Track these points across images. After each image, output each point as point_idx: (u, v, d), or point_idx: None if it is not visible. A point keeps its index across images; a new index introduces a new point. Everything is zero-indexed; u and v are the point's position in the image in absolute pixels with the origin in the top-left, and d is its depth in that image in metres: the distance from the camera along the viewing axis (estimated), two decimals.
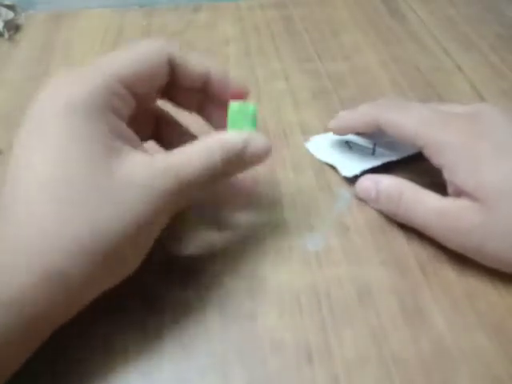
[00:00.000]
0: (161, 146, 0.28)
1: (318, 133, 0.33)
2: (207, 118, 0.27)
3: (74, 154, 0.19)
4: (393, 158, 0.30)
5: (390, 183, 0.27)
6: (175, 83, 0.25)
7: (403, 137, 0.27)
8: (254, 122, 0.24)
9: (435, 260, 0.26)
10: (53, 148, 0.19)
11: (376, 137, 0.31)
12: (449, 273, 0.25)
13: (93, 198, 0.19)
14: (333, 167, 0.31)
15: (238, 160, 0.23)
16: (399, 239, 0.27)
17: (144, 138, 0.26)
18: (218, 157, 0.22)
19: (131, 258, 0.21)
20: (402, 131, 0.27)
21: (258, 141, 0.23)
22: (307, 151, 0.32)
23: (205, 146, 0.22)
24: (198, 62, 0.24)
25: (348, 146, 0.32)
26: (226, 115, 0.24)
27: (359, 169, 0.30)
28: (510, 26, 0.45)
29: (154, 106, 0.27)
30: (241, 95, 0.25)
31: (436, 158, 0.25)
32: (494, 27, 0.45)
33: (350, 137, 0.32)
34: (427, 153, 0.26)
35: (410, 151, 0.30)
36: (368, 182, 0.28)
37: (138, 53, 0.23)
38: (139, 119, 0.24)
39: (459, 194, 0.25)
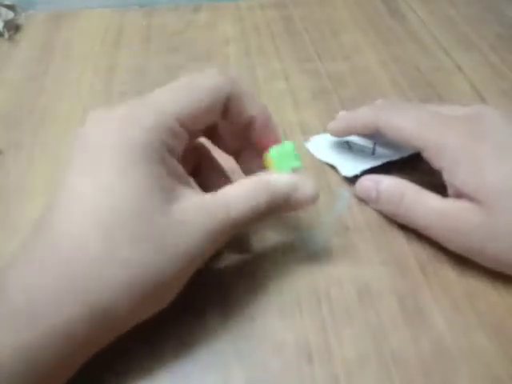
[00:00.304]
0: (197, 183, 0.27)
1: (318, 133, 0.33)
2: (240, 160, 0.27)
3: (130, 189, 0.19)
4: (393, 157, 0.30)
5: (390, 183, 0.27)
6: (221, 122, 0.24)
7: (403, 139, 0.27)
8: (298, 158, 0.24)
9: (435, 260, 0.26)
10: (107, 182, 0.19)
11: (376, 137, 0.31)
12: (449, 273, 0.25)
13: (147, 233, 0.19)
14: (333, 167, 0.31)
15: (284, 204, 0.23)
16: (399, 239, 0.27)
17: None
18: (264, 201, 0.22)
19: (175, 290, 0.21)
20: (402, 134, 0.27)
21: (305, 187, 0.23)
22: (307, 151, 0.32)
23: (252, 188, 0.22)
24: (250, 104, 0.24)
25: (348, 145, 0.32)
26: (259, 160, 0.25)
27: (359, 169, 0.30)
28: (510, 26, 0.45)
29: (198, 143, 0.27)
30: (278, 141, 0.25)
31: (436, 160, 0.25)
32: (494, 27, 0.45)
33: (350, 137, 0.32)
34: (427, 155, 0.26)
35: (410, 151, 0.30)
36: (368, 182, 0.28)
37: (199, 91, 0.22)
38: (184, 154, 0.23)
39: (459, 195, 0.25)
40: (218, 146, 0.26)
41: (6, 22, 0.44)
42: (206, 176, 0.27)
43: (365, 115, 0.29)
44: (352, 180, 0.30)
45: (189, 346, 0.22)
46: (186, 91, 0.22)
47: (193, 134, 0.23)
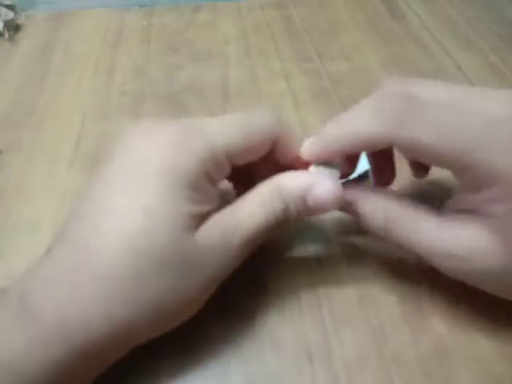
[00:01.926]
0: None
1: (318, 133, 0.33)
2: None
3: (167, 216, 0.19)
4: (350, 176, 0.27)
5: (373, 206, 0.22)
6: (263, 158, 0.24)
7: (438, 162, 0.21)
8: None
9: None
10: (148, 207, 0.19)
11: None
12: None
13: (175, 260, 0.19)
14: None
15: (302, 207, 0.21)
16: None
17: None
18: (279, 210, 0.21)
19: (194, 309, 0.21)
20: (434, 153, 0.20)
21: (322, 184, 0.21)
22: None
23: (265, 201, 0.21)
24: (296, 147, 0.23)
25: None
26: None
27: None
28: (510, 26, 0.45)
29: None
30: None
31: (474, 184, 0.20)
32: (494, 27, 0.45)
33: None
34: (466, 178, 0.20)
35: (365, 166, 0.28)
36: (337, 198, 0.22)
37: (251, 130, 0.22)
38: None
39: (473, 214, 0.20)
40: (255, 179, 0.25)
41: (5, 22, 0.44)
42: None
43: (367, 127, 0.21)
44: None
45: (189, 346, 0.22)
46: (238, 128, 0.22)
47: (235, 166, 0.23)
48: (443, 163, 0.20)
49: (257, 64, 0.41)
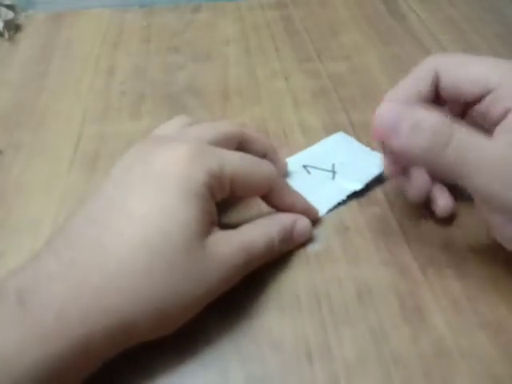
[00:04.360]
0: None
1: (317, 133, 0.33)
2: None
3: (185, 216, 0.21)
4: (356, 186, 0.29)
5: (436, 120, 0.21)
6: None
7: (471, 83, 0.24)
8: None
9: (435, 260, 0.26)
10: (167, 206, 0.21)
11: (333, 155, 0.30)
12: (449, 273, 0.25)
13: (185, 262, 0.20)
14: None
15: (289, 238, 0.26)
16: (399, 239, 0.27)
17: None
18: (277, 239, 0.24)
19: (193, 313, 0.22)
20: (472, 73, 0.23)
21: (302, 221, 0.26)
22: None
23: (268, 230, 0.24)
24: (285, 199, 0.26)
25: (306, 170, 0.30)
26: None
27: (325, 208, 0.28)
28: (510, 26, 0.45)
29: None
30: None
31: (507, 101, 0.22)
32: (494, 27, 0.45)
33: (307, 160, 0.31)
34: (493, 97, 0.23)
35: (372, 173, 0.29)
36: (394, 115, 0.21)
37: (258, 170, 0.24)
38: None
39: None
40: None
41: (5, 22, 0.44)
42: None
43: (419, 64, 0.26)
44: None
45: (188, 345, 0.22)
46: (248, 161, 0.24)
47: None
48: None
49: (257, 64, 0.41)
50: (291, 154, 0.32)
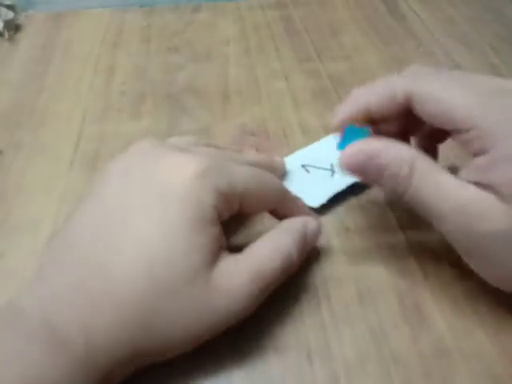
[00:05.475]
0: None
1: (317, 133, 0.33)
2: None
3: (186, 245, 0.19)
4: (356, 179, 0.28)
5: (397, 154, 0.21)
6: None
7: (446, 118, 0.21)
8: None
9: (435, 260, 0.26)
10: (171, 233, 0.19)
11: (332, 154, 0.29)
12: (449, 273, 0.25)
13: (192, 290, 0.19)
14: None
15: (305, 245, 0.24)
16: (399, 239, 0.27)
17: None
18: (294, 251, 0.22)
19: (201, 341, 0.21)
20: (448, 110, 0.21)
21: (312, 221, 0.24)
22: None
23: (281, 244, 0.22)
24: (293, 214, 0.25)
25: (305, 170, 0.30)
26: None
27: (325, 197, 0.28)
28: (510, 26, 0.45)
29: None
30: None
31: (480, 143, 0.20)
32: (494, 27, 0.45)
33: (306, 160, 0.31)
34: (468, 137, 0.20)
35: None
36: (360, 154, 0.22)
37: (268, 186, 0.23)
38: None
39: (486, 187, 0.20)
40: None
41: (5, 22, 0.44)
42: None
43: (389, 84, 0.23)
44: (318, 210, 0.28)
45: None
46: (257, 176, 0.23)
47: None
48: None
49: (257, 64, 0.41)
50: (291, 153, 0.32)
